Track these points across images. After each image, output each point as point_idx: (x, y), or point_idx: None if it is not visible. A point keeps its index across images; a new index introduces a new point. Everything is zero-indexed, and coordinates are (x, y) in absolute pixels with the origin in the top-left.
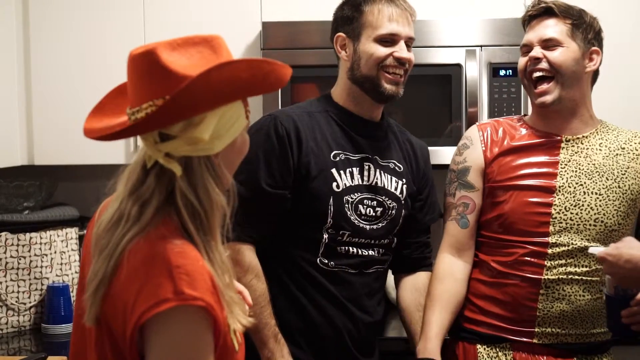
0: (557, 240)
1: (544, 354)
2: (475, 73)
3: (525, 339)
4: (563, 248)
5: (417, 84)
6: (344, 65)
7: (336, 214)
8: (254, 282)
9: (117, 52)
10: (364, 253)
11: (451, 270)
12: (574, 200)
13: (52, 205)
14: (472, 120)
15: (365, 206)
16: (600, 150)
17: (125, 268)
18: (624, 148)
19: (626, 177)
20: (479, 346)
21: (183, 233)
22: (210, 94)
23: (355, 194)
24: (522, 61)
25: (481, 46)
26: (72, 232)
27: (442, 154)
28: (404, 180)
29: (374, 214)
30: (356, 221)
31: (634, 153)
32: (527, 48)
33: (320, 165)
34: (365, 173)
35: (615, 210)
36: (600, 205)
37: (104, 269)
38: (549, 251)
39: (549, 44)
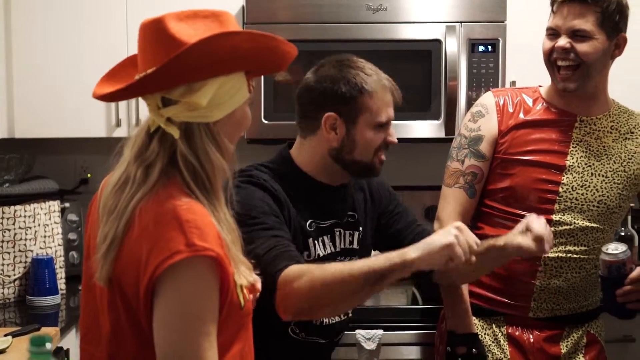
0: (561, 218)
1: (536, 327)
2: (454, 49)
3: (520, 313)
4: (565, 227)
5: (398, 59)
6: (325, 142)
7: None
8: (323, 266)
9: (98, 27)
10: (333, 321)
11: None
12: (581, 181)
13: (31, 179)
14: (452, 94)
15: None
16: (610, 133)
17: (136, 227)
18: (632, 132)
19: (632, 162)
20: (474, 317)
21: (189, 193)
22: (209, 60)
23: (326, 262)
24: (547, 44)
25: (461, 22)
26: (55, 205)
27: (422, 128)
28: (360, 229)
29: None
30: None
31: None
32: (553, 31)
33: (298, 233)
34: (337, 240)
35: (618, 193)
36: (604, 188)
37: (114, 230)
38: (552, 229)
39: (578, 34)
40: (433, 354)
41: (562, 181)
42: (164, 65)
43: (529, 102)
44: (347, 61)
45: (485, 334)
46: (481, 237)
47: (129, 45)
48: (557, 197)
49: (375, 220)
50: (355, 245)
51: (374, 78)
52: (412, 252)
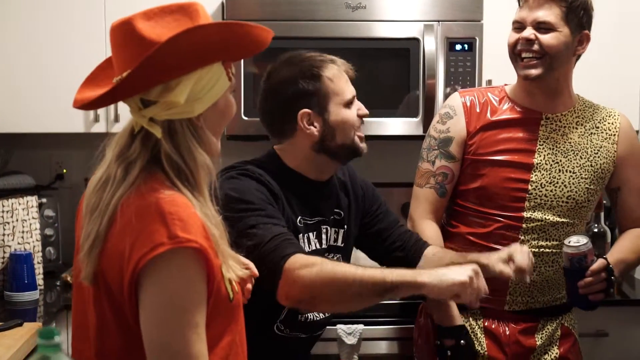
0: (532, 215)
1: (512, 320)
2: (432, 47)
3: (496, 307)
4: (536, 223)
5: (377, 57)
6: (306, 139)
7: None
8: (335, 262)
9: (74, 20)
10: (317, 318)
11: (438, 238)
12: (550, 178)
13: (7, 174)
14: (430, 92)
15: None
16: (576, 128)
17: (118, 222)
18: (598, 127)
19: (598, 156)
20: None
21: (172, 186)
22: (181, 57)
23: None
24: (512, 37)
25: (439, 21)
26: (33, 200)
27: (401, 126)
28: (345, 227)
29: None
30: None
31: (607, 133)
32: (519, 25)
33: (291, 228)
34: (324, 237)
35: (586, 188)
36: (572, 183)
37: (96, 228)
38: (524, 225)
39: (542, 26)
40: (412, 348)
41: (531, 179)
42: (135, 69)
43: (495, 102)
44: (294, 58)
45: None
46: (457, 235)
47: (106, 40)
48: (527, 195)
49: (359, 220)
50: (340, 243)
51: (327, 62)
52: (425, 275)
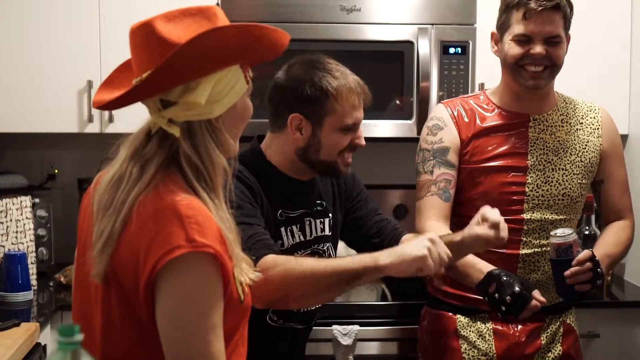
0: (531, 216)
1: (519, 320)
2: (426, 50)
3: None
4: (537, 223)
5: (371, 59)
6: (290, 141)
7: None
8: (299, 259)
9: (67, 22)
10: (310, 307)
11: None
12: (544, 178)
13: (0, 173)
14: (423, 95)
15: None
16: (562, 126)
17: (134, 222)
18: (582, 122)
19: (586, 151)
20: (458, 315)
21: (188, 189)
22: (201, 59)
23: (300, 251)
24: (517, 50)
25: (432, 24)
26: (27, 200)
27: (395, 128)
28: (330, 215)
29: None
30: None
31: (591, 127)
32: (525, 38)
33: (271, 221)
34: (307, 229)
35: (578, 183)
36: (566, 180)
37: (110, 226)
38: (525, 227)
39: (553, 40)
40: (408, 349)
41: (527, 181)
42: (156, 70)
43: (481, 109)
44: (316, 62)
45: (470, 330)
46: None
47: (100, 42)
48: (525, 197)
49: (343, 207)
50: (327, 232)
51: (341, 81)
52: (384, 257)
